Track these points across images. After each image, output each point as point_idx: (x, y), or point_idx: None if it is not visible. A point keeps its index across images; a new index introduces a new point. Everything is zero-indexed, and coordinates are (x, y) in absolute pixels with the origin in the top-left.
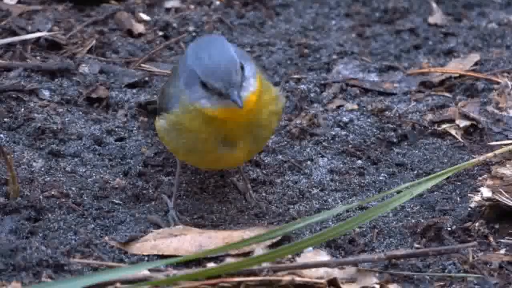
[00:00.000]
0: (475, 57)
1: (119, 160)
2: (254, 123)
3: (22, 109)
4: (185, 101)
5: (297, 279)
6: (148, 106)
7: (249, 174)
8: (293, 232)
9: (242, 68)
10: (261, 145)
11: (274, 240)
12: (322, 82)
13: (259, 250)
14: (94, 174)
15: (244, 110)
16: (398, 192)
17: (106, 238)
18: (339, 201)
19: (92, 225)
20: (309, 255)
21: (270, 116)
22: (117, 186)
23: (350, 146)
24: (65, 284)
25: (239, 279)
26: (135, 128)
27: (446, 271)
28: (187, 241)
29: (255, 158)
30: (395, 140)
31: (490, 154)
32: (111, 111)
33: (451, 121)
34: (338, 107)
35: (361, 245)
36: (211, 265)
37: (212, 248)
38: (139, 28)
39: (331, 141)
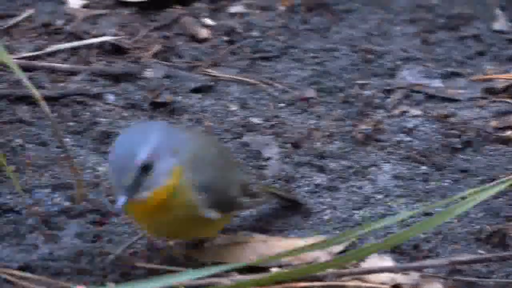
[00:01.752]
0: None
1: None
2: (160, 220)
3: (87, 113)
4: None
5: (362, 284)
6: None
7: (314, 179)
8: (358, 238)
9: (148, 167)
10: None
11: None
12: (386, 87)
13: (323, 256)
14: None
15: (138, 212)
16: (463, 198)
17: (171, 242)
18: (403, 206)
19: None
20: (373, 260)
21: (177, 220)
22: None
23: (414, 152)
24: None
25: (304, 284)
26: None
27: (510, 277)
28: (250, 248)
29: (318, 163)
30: (459, 146)
31: None
32: (176, 115)
33: None
34: (402, 113)
35: (425, 251)
36: (275, 270)
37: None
38: (204, 33)
39: (396, 147)
